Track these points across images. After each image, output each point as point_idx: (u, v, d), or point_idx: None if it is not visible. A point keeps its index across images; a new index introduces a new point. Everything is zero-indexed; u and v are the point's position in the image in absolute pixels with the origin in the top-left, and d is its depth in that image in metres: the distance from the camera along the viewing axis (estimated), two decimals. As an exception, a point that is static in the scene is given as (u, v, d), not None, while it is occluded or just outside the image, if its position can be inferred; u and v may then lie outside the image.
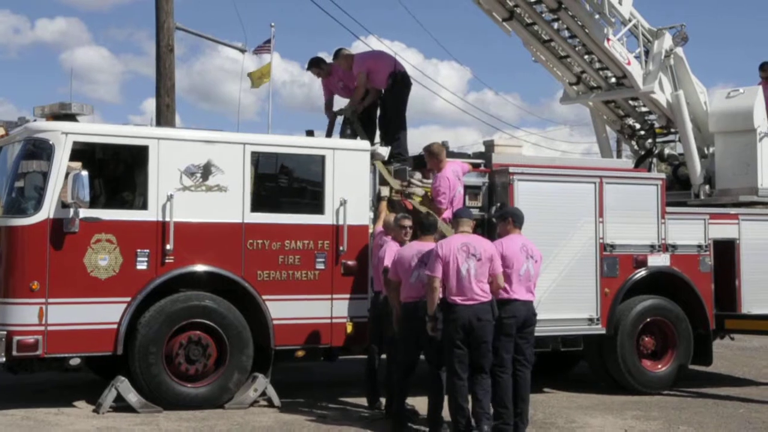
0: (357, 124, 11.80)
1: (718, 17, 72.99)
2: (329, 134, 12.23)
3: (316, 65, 12.48)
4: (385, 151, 11.13)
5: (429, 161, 10.78)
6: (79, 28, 79.28)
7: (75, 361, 9.70)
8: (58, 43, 79.80)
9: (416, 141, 10.99)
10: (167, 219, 9.74)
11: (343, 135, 11.97)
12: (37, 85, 73.55)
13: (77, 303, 9.42)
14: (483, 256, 8.71)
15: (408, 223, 9.70)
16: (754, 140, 12.95)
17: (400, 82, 12.11)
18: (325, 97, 12.68)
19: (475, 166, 11.51)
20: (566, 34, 13.48)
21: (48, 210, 9.37)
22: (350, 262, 10.45)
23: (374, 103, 12.23)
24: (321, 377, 12.59)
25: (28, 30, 78.39)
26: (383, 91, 12.12)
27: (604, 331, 11.46)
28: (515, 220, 9.26)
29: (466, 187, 11.11)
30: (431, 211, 10.26)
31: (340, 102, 12.65)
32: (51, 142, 9.55)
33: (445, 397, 8.86)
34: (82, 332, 9.43)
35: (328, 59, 12.71)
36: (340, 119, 12.32)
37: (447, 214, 10.37)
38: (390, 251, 9.51)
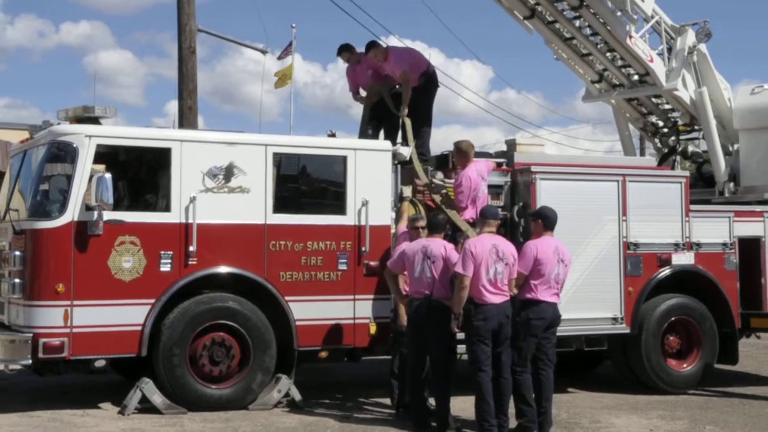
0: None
1: (742, 13, 72.42)
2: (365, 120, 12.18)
3: (347, 50, 12.38)
4: (406, 151, 11.11)
5: (457, 158, 10.78)
6: (103, 32, 79.91)
7: (100, 363, 9.77)
8: (83, 47, 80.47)
9: (438, 141, 10.98)
10: (190, 221, 9.77)
11: (363, 135, 11.97)
12: (61, 89, 74.22)
13: (102, 305, 9.47)
14: (509, 260, 8.78)
15: (422, 223, 9.73)
16: (779, 137, 12.84)
17: (431, 82, 12.05)
18: (351, 89, 12.64)
19: (498, 165, 11.48)
20: (588, 31, 13.43)
21: (72, 213, 9.43)
22: (372, 263, 10.44)
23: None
24: (344, 378, 12.59)
25: (53, 34, 79.14)
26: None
27: (628, 331, 11.39)
28: (546, 223, 9.21)
29: (489, 186, 11.09)
30: (453, 209, 10.27)
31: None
32: (75, 145, 9.61)
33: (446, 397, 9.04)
34: (106, 334, 9.48)
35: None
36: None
37: (469, 213, 10.35)
38: (398, 249, 9.67)
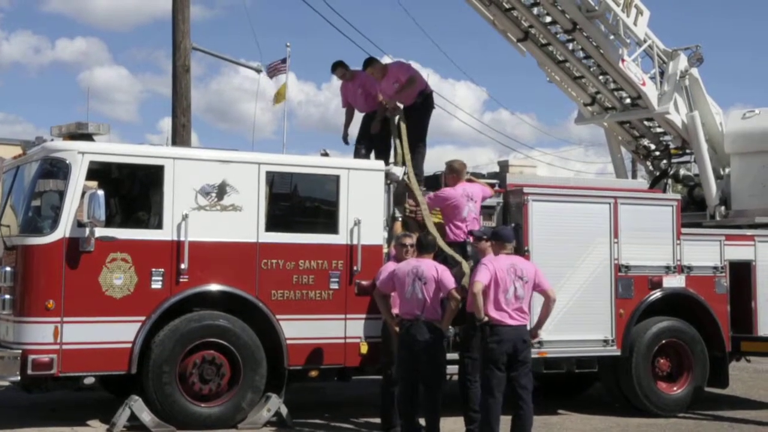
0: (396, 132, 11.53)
1: (734, 38, 72.92)
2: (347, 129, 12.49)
3: (341, 67, 12.40)
4: (399, 171, 11.13)
5: (449, 176, 10.79)
6: (99, 48, 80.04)
7: (89, 380, 9.74)
8: (78, 63, 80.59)
9: (431, 161, 11.04)
10: (182, 238, 9.77)
11: (357, 155, 11.99)
12: (55, 105, 74.22)
13: (92, 322, 9.43)
14: (529, 278, 8.66)
15: (409, 241, 9.73)
16: (770, 161, 12.91)
17: (428, 103, 12.06)
18: (343, 104, 12.67)
19: (490, 186, 11.49)
20: (581, 54, 13.51)
21: (64, 229, 9.41)
22: (364, 282, 10.44)
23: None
24: (334, 397, 12.55)
25: (48, 50, 79.21)
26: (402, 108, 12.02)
27: (619, 353, 11.39)
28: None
29: (481, 207, 11.08)
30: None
31: (356, 117, 12.64)
32: (68, 162, 9.61)
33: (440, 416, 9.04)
34: (96, 351, 9.44)
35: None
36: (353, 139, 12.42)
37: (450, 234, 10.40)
38: (385, 268, 9.66)
